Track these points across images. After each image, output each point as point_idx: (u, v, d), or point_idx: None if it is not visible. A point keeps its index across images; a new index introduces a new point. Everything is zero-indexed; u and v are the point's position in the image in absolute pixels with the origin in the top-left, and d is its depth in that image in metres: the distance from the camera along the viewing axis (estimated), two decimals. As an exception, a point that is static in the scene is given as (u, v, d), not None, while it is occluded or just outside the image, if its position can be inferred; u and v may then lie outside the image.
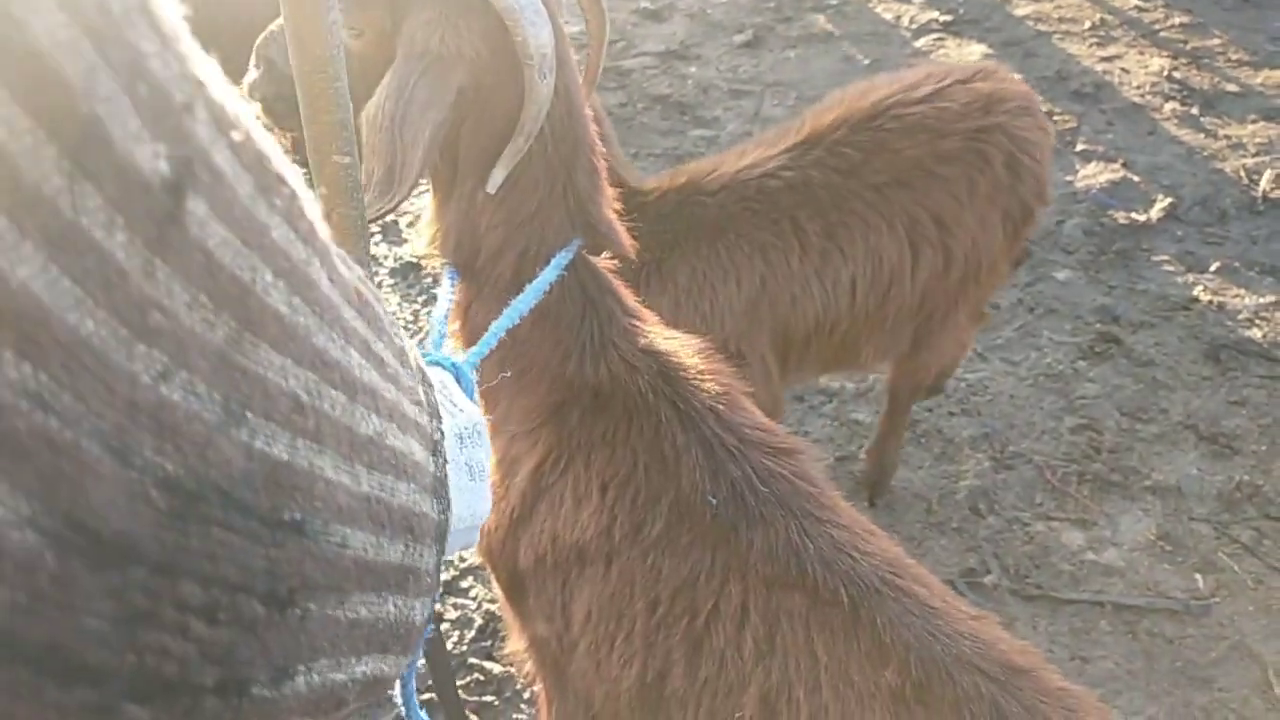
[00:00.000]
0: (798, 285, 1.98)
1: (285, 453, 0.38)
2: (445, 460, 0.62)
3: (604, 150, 1.26)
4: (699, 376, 1.18)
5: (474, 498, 0.72)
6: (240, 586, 0.36)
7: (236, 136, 0.36)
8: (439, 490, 0.59)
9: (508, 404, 1.21)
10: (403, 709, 0.74)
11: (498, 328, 1.09)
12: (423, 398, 0.61)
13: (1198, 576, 2.38)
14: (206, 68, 0.35)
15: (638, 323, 1.22)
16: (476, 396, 0.88)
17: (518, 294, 1.12)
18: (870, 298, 2.03)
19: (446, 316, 1.16)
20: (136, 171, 0.30)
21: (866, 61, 4.17)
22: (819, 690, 1.06)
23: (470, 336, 1.19)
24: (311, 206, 0.43)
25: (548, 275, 1.15)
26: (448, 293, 1.16)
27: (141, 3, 0.31)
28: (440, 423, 0.63)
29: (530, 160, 1.14)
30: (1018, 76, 2.19)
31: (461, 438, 0.72)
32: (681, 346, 1.22)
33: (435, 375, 0.76)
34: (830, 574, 1.07)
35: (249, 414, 0.36)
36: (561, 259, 1.16)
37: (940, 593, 1.13)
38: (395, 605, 0.52)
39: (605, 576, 1.15)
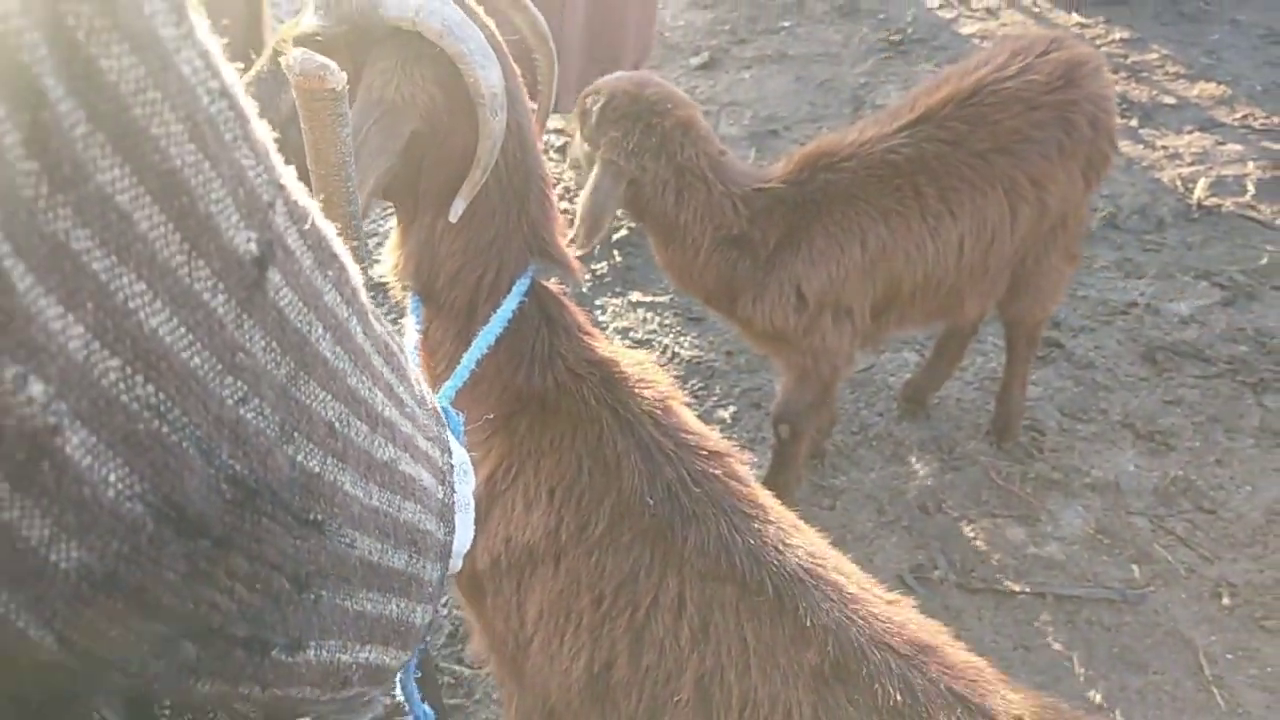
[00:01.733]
0: (914, 245, 2.26)
1: (318, 466, 0.50)
2: (453, 490, 0.74)
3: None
4: (639, 385, 1.29)
5: (461, 527, 0.82)
6: (274, 565, 0.47)
7: (305, 225, 0.48)
8: (445, 514, 0.71)
9: (470, 415, 1.31)
10: (403, 699, 0.85)
11: (469, 359, 1.20)
12: (436, 434, 0.73)
13: (1134, 567, 2.50)
14: (287, 173, 0.48)
15: (585, 338, 1.33)
16: (463, 435, 0.97)
17: (473, 315, 1.23)
18: (975, 253, 2.31)
19: (416, 348, 1.27)
20: (234, 252, 0.42)
21: (818, 81, 4.30)
22: (749, 672, 1.17)
23: (429, 355, 1.30)
24: (355, 276, 0.57)
25: (510, 303, 1.26)
26: (414, 324, 1.26)
27: (246, 132, 0.43)
28: (451, 457, 0.75)
29: (486, 191, 1.24)
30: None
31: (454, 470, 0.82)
32: (624, 358, 1.33)
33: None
34: (757, 566, 1.18)
35: (296, 434, 0.48)
36: (521, 285, 1.27)
37: (858, 581, 1.23)
38: (398, 606, 0.63)
39: (554, 575, 1.25)
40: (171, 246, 0.38)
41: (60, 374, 0.35)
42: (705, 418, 2.93)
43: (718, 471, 1.25)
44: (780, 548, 1.20)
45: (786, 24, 4.69)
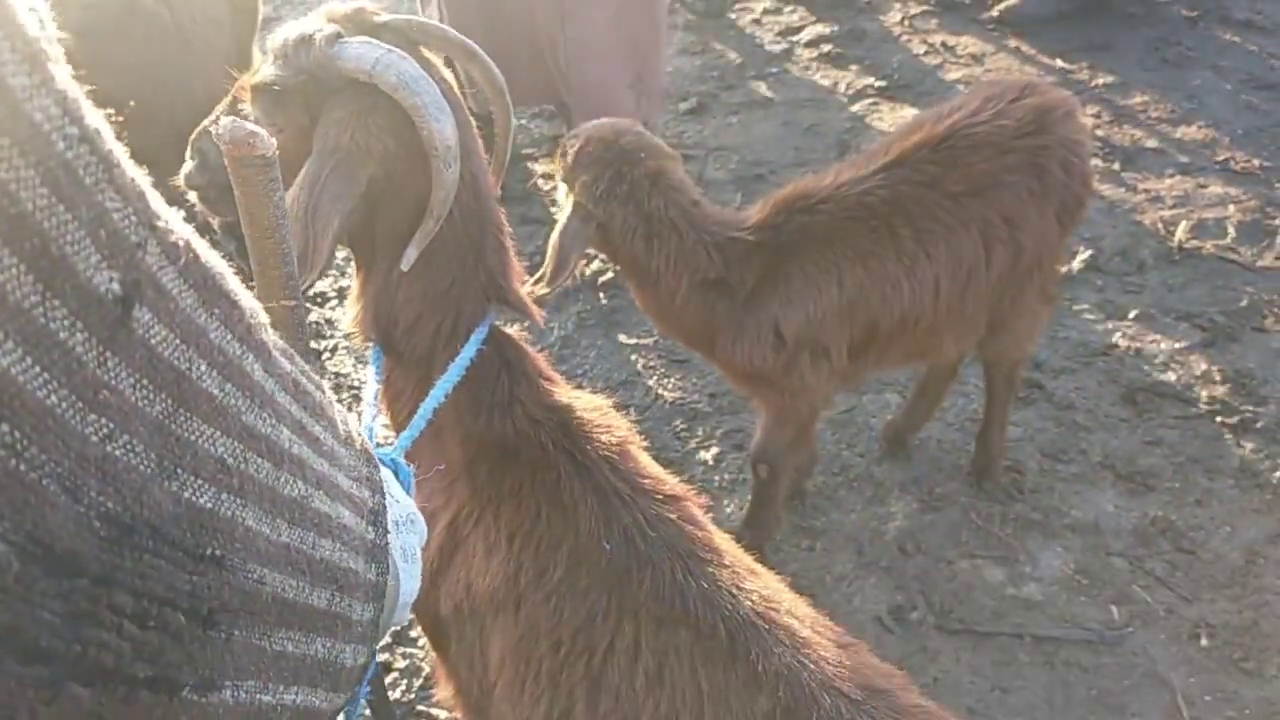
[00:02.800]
0: (889, 285, 2.30)
1: (210, 502, 0.50)
2: (385, 531, 0.75)
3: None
4: (596, 430, 1.31)
5: (406, 578, 0.82)
6: (166, 601, 0.47)
7: (182, 262, 0.49)
8: (374, 554, 0.71)
9: (425, 462, 1.33)
10: None
11: (425, 409, 1.22)
12: (363, 474, 0.73)
13: (1113, 608, 2.51)
14: (167, 215, 0.49)
15: (544, 383, 1.35)
16: (413, 486, 0.98)
17: (432, 363, 1.25)
18: (951, 293, 2.35)
19: (376, 398, 1.29)
20: (94, 291, 0.43)
21: (805, 125, 4.35)
22: (702, 718, 1.18)
23: (392, 403, 1.33)
24: (253, 314, 0.57)
25: (469, 351, 1.28)
26: (375, 376, 1.29)
27: (110, 175, 0.44)
28: (382, 498, 0.76)
29: (442, 241, 1.27)
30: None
31: (398, 524, 0.82)
32: (582, 403, 1.35)
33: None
34: (711, 610, 1.20)
35: (179, 469, 0.48)
36: (480, 334, 1.30)
37: (811, 623, 1.25)
38: (323, 645, 0.64)
39: (515, 621, 1.27)
40: (24, 288, 0.39)
41: None
42: (687, 459, 2.95)
43: (674, 515, 1.26)
44: (735, 591, 1.22)
45: (774, 70, 4.75)
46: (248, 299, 0.57)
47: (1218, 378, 3.11)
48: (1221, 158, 4.06)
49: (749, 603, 1.21)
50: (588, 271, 3.54)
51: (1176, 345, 3.24)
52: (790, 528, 2.74)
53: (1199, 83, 4.54)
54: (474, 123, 1.33)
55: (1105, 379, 3.13)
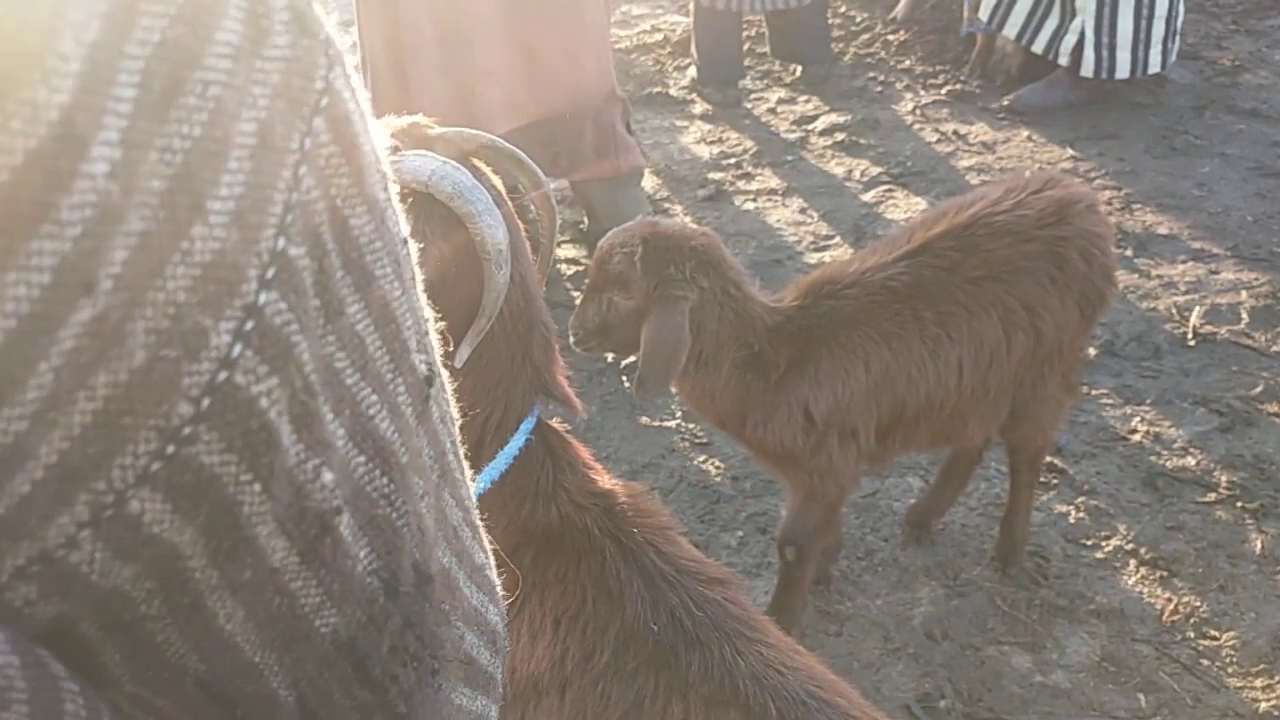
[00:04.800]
0: (914, 367, 2.36)
1: (449, 563, 0.57)
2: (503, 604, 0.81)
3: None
4: (639, 515, 1.35)
5: None
6: (428, 647, 0.54)
7: (437, 355, 0.57)
8: (505, 623, 0.78)
9: None
10: None
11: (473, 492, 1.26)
12: (491, 582, 0.80)
13: (1140, 696, 2.50)
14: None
15: (588, 471, 1.39)
16: None
17: (480, 453, 1.30)
18: (974, 376, 2.40)
19: None
20: (416, 372, 0.50)
21: (821, 212, 4.44)
22: (753, 798, 1.19)
23: None
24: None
25: (517, 441, 1.33)
26: None
27: (416, 273, 0.52)
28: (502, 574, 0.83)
29: (492, 338, 1.32)
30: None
31: None
32: (625, 490, 1.39)
33: None
34: (760, 689, 1.22)
35: (440, 534, 0.55)
36: (528, 424, 1.34)
37: (858, 704, 1.27)
38: (481, 703, 0.69)
39: (560, 706, 1.29)
40: (386, 366, 0.47)
41: (338, 466, 0.43)
42: (711, 542, 2.97)
43: (719, 596, 1.29)
44: (782, 670, 1.24)
45: (789, 158, 4.86)
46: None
47: (1236, 463, 3.13)
48: (1232, 244, 4.12)
49: (797, 681, 1.24)
50: (610, 356, 3.59)
51: (1195, 430, 3.26)
52: (815, 613, 2.75)
53: (1207, 170, 4.62)
54: (522, 227, 1.39)
55: (1126, 464, 3.16)
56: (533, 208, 1.49)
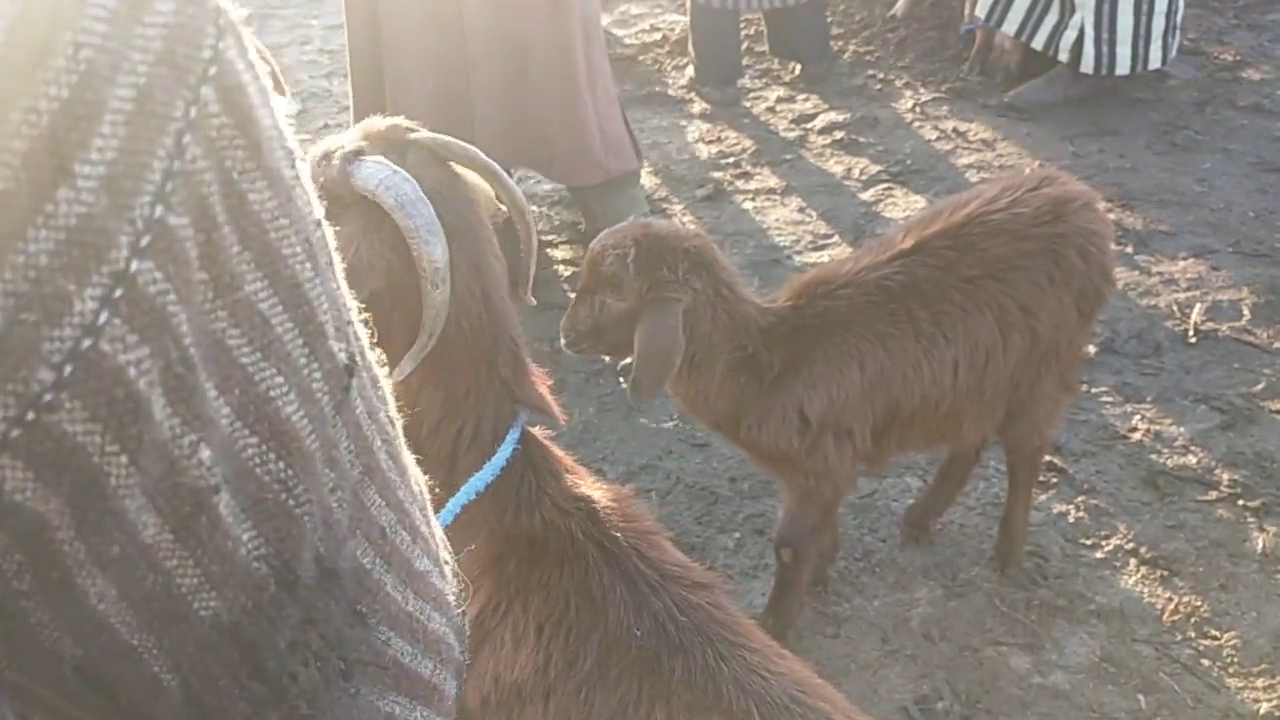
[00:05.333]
0: (910, 367, 2.34)
1: (369, 564, 0.56)
2: (464, 613, 0.79)
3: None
4: (623, 519, 1.33)
5: None
6: (334, 647, 0.53)
7: (364, 346, 0.56)
8: (460, 634, 0.76)
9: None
10: None
11: (455, 503, 1.25)
12: (450, 560, 0.78)
13: (1140, 697, 2.48)
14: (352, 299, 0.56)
15: (570, 476, 1.38)
16: None
17: (455, 464, 1.28)
18: (970, 376, 2.38)
19: None
20: (334, 359, 0.49)
21: (820, 211, 4.42)
22: (737, 804, 1.18)
23: None
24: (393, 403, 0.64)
25: (504, 452, 1.32)
26: None
27: (332, 258, 0.51)
28: (459, 585, 0.81)
29: (455, 352, 1.32)
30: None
31: None
32: (608, 494, 1.38)
33: None
34: (743, 695, 1.20)
35: (359, 530, 0.54)
36: (513, 435, 1.33)
37: (843, 708, 1.25)
38: (421, 714, 0.68)
39: (544, 713, 1.28)
40: (298, 349, 0.46)
41: (218, 444, 0.42)
42: (708, 544, 2.95)
43: (703, 601, 1.28)
44: (766, 675, 1.23)
45: (788, 157, 4.84)
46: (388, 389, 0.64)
47: (1238, 461, 3.11)
48: (1233, 240, 4.10)
49: (780, 686, 1.22)
50: (607, 358, 3.57)
51: (1196, 428, 3.24)
52: (813, 614, 2.73)
53: (1209, 166, 4.60)
54: (494, 239, 1.37)
55: (1126, 463, 3.13)
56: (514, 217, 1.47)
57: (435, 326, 1.26)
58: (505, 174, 1.37)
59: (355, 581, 0.53)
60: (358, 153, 1.26)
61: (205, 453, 0.41)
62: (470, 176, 1.36)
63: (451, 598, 0.73)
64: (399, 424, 0.63)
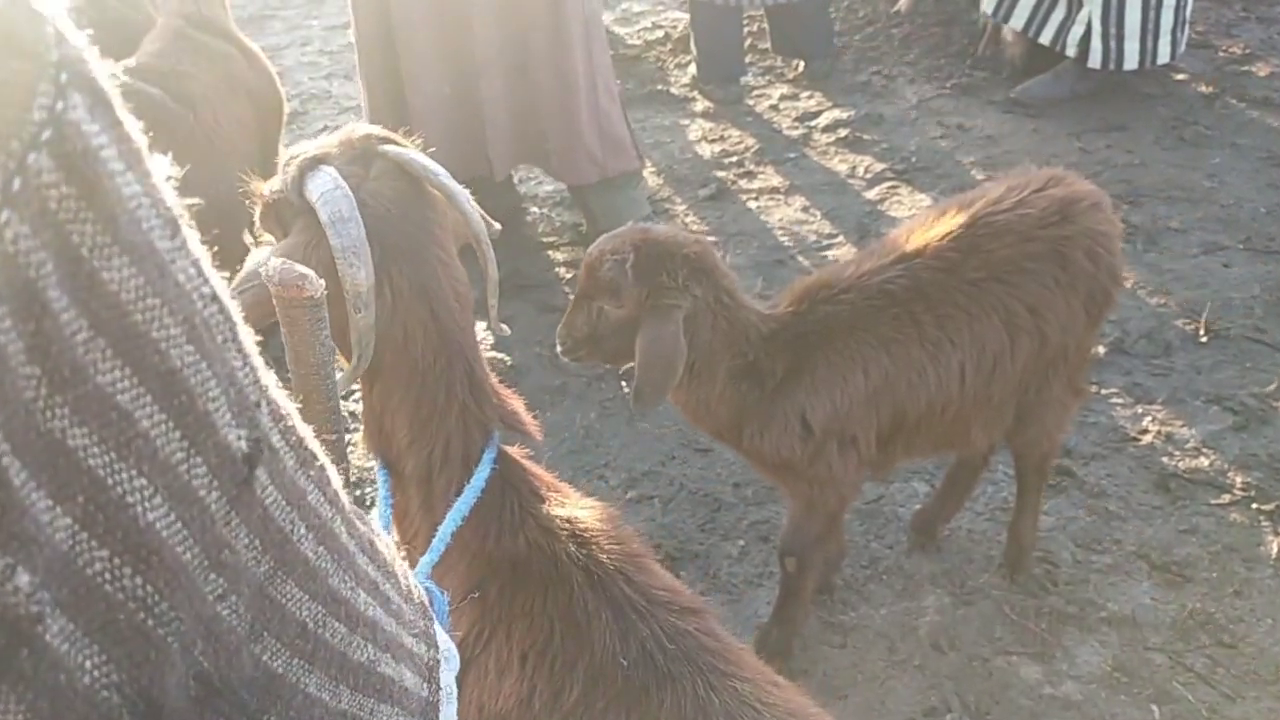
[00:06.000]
0: (915, 372, 2.28)
1: (282, 668, 0.50)
2: (439, 687, 0.74)
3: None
4: (608, 541, 1.29)
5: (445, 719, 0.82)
6: None
7: (285, 424, 0.50)
8: (427, 712, 0.71)
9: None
10: None
11: (444, 532, 1.20)
12: (422, 629, 0.73)
13: (1154, 708, 2.42)
14: (267, 376, 0.50)
15: (553, 495, 1.33)
16: (447, 618, 0.98)
17: (431, 485, 1.24)
18: (977, 380, 2.33)
19: (388, 521, 1.28)
20: (228, 449, 0.44)
21: (824, 210, 4.37)
22: (730, 842, 1.13)
23: (398, 522, 1.31)
24: (335, 477, 0.58)
25: (481, 474, 1.27)
26: (385, 495, 1.28)
27: (234, 334, 0.46)
28: (437, 651, 0.75)
29: (409, 377, 1.29)
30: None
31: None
32: (593, 515, 1.33)
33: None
34: None
35: (266, 633, 0.48)
36: (489, 457, 1.28)
37: (840, 742, 1.20)
38: None
39: None
40: (172, 443, 0.41)
41: (46, 564, 0.37)
42: (712, 551, 2.90)
43: (691, 628, 1.23)
44: (758, 707, 1.18)
45: (792, 155, 4.78)
46: (329, 463, 0.58)
47: (1251, 463, 3.05)
48: (1244, 236, 4.03)
49: (773, 717, 1.17)
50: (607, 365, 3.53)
51: (1208, 430, 3.18)
52: (819, 624, 2.68)
53: (1218, 161, 4.53)
54: (451, 262, 1.33)
55: (1137, 465, 3.08)
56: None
57: (364, 350, 1.22)
58: (464, 197, 1.32)
59: (260, 690, 0.48)
60: (318, 160, 1.22)
61: (23, 578, 0.36)
62: (439, 195, 1.32)
63: (413, 679, 0.67)
64: (343, 500, 0.58)
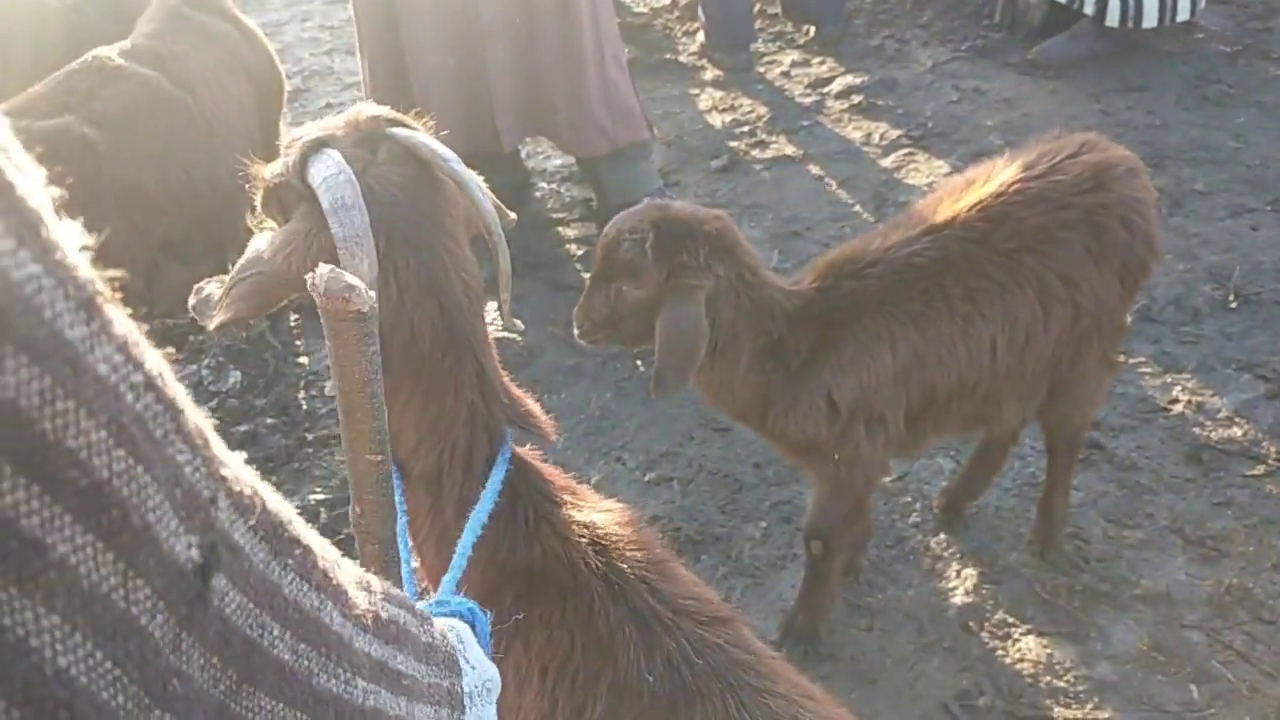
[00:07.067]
0: (945, 348, 2.21)
1: None
2: None
3: None
4: (630, 547, 1.22)
5: None
6: None
7: (252, 518, 0.43)
8: None
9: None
10: None
11: (464, 545, 1.14)
12: (444, 690, 0.66)
13: (1192, 687, 2.36)
14: (230, 460, 0.43)
15: (569, 498, 1.26)
16: (489, 639, 0.92)
17: (440, 487, 1.17)
18: (1009, 355, 2.25)
19: (404, 527, 1.21)
20: (174, 562, 0.37)
21: (839, 179, 4.27)
22: None
23: (410, 523, 1.25)
24: (327, 554, 0.51)
25: (496, 477, 1.20)
26: (399, 500, 1.21)
27: (178, 424, 0.38)
28: (462, 712, 0.68)
29: (415, 374, 1.22)
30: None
31: (471, 697, 0.76)
32: (612, 518, 1.26)
33: (454, 628, 0.81)
34: None
35: None
36: (503, 459, 1.22)
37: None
38: None
39: None
40: (103, 569, 0.34)
41: None
42: (734, 534, 2.84)
43: (720, 640, 1.16)
44: (793, 725, 1.11)
45: (805, 124, 4.68)
46: (317, 540, 0.51)
47: (1287, 431, 2.96)
48: (1272, 197, 3.93)
49: (809, 736, 1.11)
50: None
51: (1240, 398, 3.09)
52: (845, 606, 2.62)
53: (1243, 120, 4.42)
54: (461, 252, 1.25)
55: (1168, 437, 2.99)
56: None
57: None
58: (475, 185, 1.25)
59: None
60: (322, 143, 1.14)
61: None
62: (450, 182, 1.24)
63: None
64: (340, 577, 0.50)
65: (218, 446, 0.43)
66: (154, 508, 0.36)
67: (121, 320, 0.37)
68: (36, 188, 0.34)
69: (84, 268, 0.35)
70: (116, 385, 0.35)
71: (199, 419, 0.41)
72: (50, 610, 0.32)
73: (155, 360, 0.38)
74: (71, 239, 0.35)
